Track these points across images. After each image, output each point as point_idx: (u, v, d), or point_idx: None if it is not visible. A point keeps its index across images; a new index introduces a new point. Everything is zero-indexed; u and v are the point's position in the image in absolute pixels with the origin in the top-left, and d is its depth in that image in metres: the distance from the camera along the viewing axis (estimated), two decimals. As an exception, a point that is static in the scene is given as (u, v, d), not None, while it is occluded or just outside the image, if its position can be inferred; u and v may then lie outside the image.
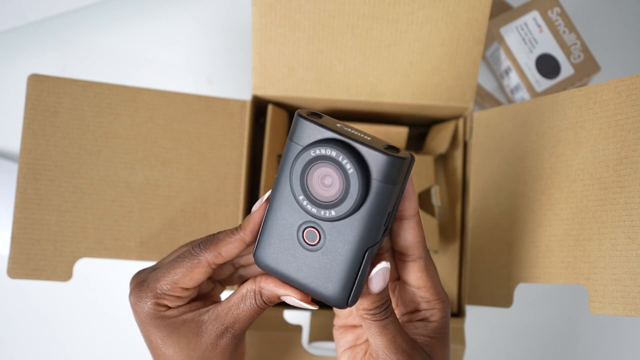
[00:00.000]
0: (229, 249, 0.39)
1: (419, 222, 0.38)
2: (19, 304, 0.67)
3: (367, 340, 0.43)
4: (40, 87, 0.50)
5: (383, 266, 0.36)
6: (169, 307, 0.40)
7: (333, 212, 0.35)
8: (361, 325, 0.43)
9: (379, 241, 0.36)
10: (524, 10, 0.65)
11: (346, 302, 0.36)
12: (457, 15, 0.53)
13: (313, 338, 0.54)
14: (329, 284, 0.36)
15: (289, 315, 0.55)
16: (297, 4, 0.53)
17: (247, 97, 0.57)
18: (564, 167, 0.47)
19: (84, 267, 0.57)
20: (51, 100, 0.50)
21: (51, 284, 0.64)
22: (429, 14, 0.53)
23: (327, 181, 0.35)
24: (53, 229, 0.50)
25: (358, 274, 0.36)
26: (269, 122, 0.57)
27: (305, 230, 0.36)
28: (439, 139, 0.60)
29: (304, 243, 0.36)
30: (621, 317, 0.63)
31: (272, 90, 0.56)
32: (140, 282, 0.40)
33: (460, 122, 0.58)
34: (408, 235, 0.37)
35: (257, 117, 0.59)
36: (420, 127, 0.63)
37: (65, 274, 0.50)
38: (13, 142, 0.68)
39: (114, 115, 0.52)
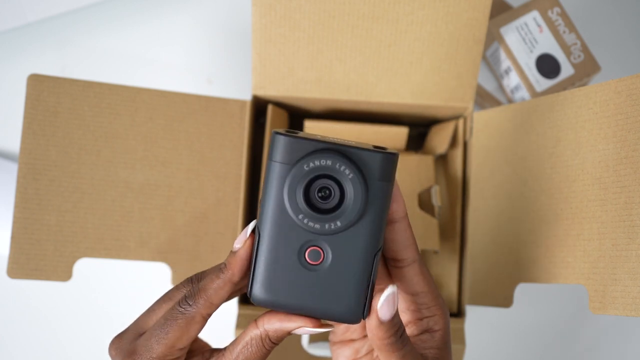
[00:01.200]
0: (219, 295, 0.36)
1: (409, 224, 0.37)
2: (19, 304, 0.67)
3: (367, 354, 0.41)
4: (40, 87, 0.50)
5: (390, 292, 0.35)
6: None
7: (338, 223, 0.34)
8: (359, 339, 0.42)
9: (382, 246, 0.35)
10: (524, 10, 0.65)
11: (362, 314, 0.35)
12: (457, 15, 0.53)
13: (313, 338, 0.54)
14: (340, 301, 0.35)
15: (289, 315, 0.55)
16: (297, 4, 0.53)
17: (247, 97, 0.57)
18: (564, 167, 0.47)
19: (84, 267, 0.57)
20: (51, 100, 0.50)
21: (51, 284, 0.64)
22: (429, 14, 0.53)
23: (326, 192, 0.34)
24: (53, 229, 0.50)
25: (370, 283, 0.35)
26: (269, 122, 0.57)
27: (307, 251, 0.35)
28: (439, 139, 0.60)
29: (307, 264, 0.35)
30: (621, 317, 0.63)
31: (272, 90, 0.56)
32: (130, 353, 0.38)
33: (460, 122, 0.58)
34: (400, 238, 0.37)
35: (257, 117, 0.59)
36: (420, 127, 0.63)
37: (65, 274, 0.50)
38: (13, 142, 0.68)
39: (114, 115, 0.52)
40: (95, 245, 0.51)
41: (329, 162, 0.34)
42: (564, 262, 0.46)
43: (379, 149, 0.34)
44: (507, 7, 0.68)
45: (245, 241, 0.36)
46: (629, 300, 0.40)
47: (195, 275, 0.38)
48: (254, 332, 0.36)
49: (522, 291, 0.53)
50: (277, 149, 0.34)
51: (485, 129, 0.56)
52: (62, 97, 0.51)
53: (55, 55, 0.71)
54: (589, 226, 0.44)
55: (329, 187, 0.34)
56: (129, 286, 0.67)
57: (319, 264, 0.35)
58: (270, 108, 0.57)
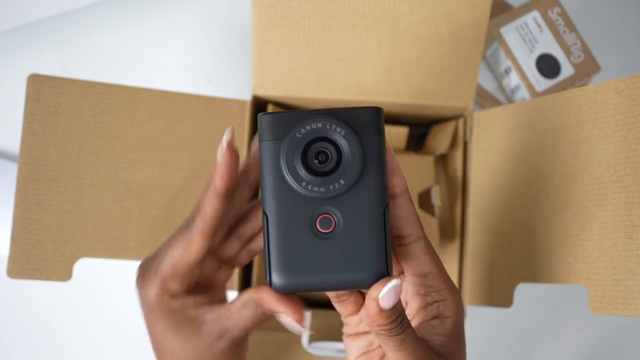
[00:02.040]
0: (209, 209, 0.38)
1: (410, 198, 0.36)
2: (19, 304, 0.67)
3: (380, 346, 0.40)
4: (40, 87, 0.50)
5: (393, 284, 0.34)
6: (173, 296, 0.39)
7: (342, 181, 0.34)
8: None
9: (388, 202, 0.35)
10: (524, 10, 0.65)
11: (386, 270, 0.34)
12: (457, 15, 0.53)
13: (313, 338, 0.54)
14: (361, 264, 0.34)
15: (289, 315, 0.55)
16: (297, 4, 0.53)
17: (247, 97, 0.57)
18: (564, 167, 0.47)
19: (84, 267, 0.57)
20: (51, 100, 0.50)
21: (51, 284, 0.64)
22: (429, 14, 0.53)
23: (323, 156, 0.34)
24: (53, 229, 0.50)
25: (386, 238, 0.34)
26: (269, 122, 0.57)
27: (318, 220, 0.34)
28: (439, 139, 0.60)
29: (320, 234, 0.34)
30: (621, 317, 0.63)
31: (272, 90, 0.56)
32: (144, 270, 0.40)
33: (460, 122, 0.58)
34: (403, 213, 0.36)
35: (257, 117, 0.59)
36: (420, 127, 0.63)
37: (65, 274, 0.50)
38: (13, 142, 0.68)
39: (114, 115, 0.52)
40: (95, 245, 0.51)
41: (319, 124, 0.34)
42: (564, 262, 0.46)
43: (363, 107, 0.35)
44: (507, 7, 0.68)
45: (223, 153, 0.37)
46: (629, 300, 0.40)
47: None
48: (253, 295, 0.38)
49: (522, 291, 0.53)
50: (265, 128, 0.34)
51: (485, 129, 0.56)
52: (62, 97, 0.51)
53: (55, 55, 0.71)
54: (589, 226, 0.44)
55: (325, 149, 0.34)
56: (129, 286, 0.67)
57: (331, 230, 0.34)
58: (270, 108, 0.57)
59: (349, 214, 0.34)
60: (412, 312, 0.38)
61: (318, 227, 0.34)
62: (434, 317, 0.38)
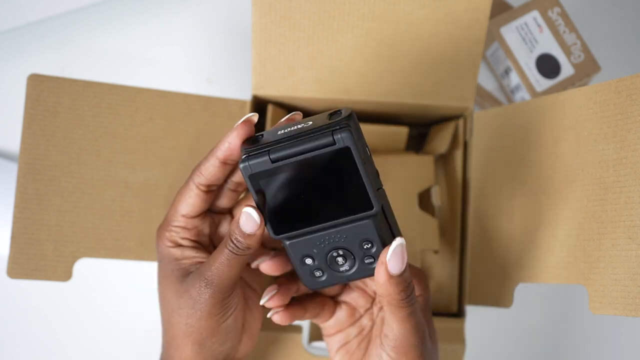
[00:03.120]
0: (207, 168, 0.40)
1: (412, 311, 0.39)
2: (19, 304, 0.67)
3: (357, 335, 0.44)
4: (40, 87, 0.50)
5: (397, 243, 0.37)
6: (178, 244, 0.41)
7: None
8: (349, 326, 0.44)
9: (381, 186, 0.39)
10: (524, 10, 0.65)
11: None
12: (457, 15, 0.53)
13: (313, 338, 0.54)
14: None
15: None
16: (297, 4, 0.53)
17: (247, 97, 0.57)
18: (564, 167, 0.47)
19: (84, 267, 0.57)
20: (51, 100, 0.50)
21: (51, 284, 0.64)
22: (429, 14, 0.53)
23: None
24: (53, 229, 0.50)
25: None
26: (269, 122, 0.57)
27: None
28: (439, 139, 0.60)
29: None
30: (621, 317, 0.63)
31: (272, 90, 0.56)
32: (159, 226, 0.43)
33: (460, 122, 0.58)
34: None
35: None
36: (420, 127, 0.63)
37: (65, 274, 0.50)
38: (13, 142, 0.68)
39: (114, 115, 0.52)
40: (95, 245, 0.51)
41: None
42: (564, 262, 0.46)
43: (331, 119, 0.37)
44: (507, 7, 0.68)
45: (238, 126, 0.39)
46: (629, 300, 0.40)
47: None
48: (226, 238, 0.39)
49: (522, 291, 0.53)
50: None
51: (485, 129, 0.56)
52: (62, 97, 0.51)
53: (55, 55, 0.71)
54: (589, 226, 0.44)
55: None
56: (129, 286, 0.67)
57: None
58: (270, 108, 0.57)
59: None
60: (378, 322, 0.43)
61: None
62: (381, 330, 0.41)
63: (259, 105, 0.58)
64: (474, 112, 0.57)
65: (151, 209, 0.52)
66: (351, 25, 0.54)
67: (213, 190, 0.42)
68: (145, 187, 0.52)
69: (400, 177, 0.58)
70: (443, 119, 0.61)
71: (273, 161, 0.36)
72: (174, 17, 0.72)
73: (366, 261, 0.39)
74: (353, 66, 0.55)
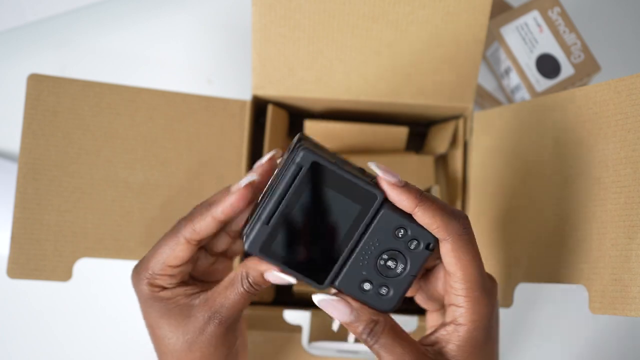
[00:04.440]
0: (202, 227, 0.39)
1: (427, 206, 0.36)
2: (19, 304, 0.67)
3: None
4: (40, 87, 0.50)
5: (321, 298, 0.37)
6: (164, 288, 0.41)
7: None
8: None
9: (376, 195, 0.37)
10: (524, 10, 0.65)
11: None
12: (457, 15, 0.53)
13: (313, 338, 0.54)
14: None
15: (289, 316, 0.55)
16: (297, 4, 0.53)
17: (247, 97, 0.57)
18: (564, 167, 0.47)
19: (84, 267, 0.57)
20: (51, 100, 0.50)
21: (51, 284, 0.64)
22: (429, 14, 0.53)
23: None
24: (53, 229, 0.50)
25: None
26: (269, 122, 0.57)
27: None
28: (439, 139, 0.60)
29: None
30: (621, 317, 0.63)
31: (272, 90, 0.56)
32: (137, 268, 0.41)
33: (460, 122, 0.58)
34: (424, 221, 0.36)
35: (257, 117, 0.59)
36: (420, 127, 0.63)
37: (65, 274, 0.50)
38: (13, 142, 0.68)
39: (114, 115, 0.52)
40: (95, 245, 0.51)
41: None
42: (564, 262, 0.46)
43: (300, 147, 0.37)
44: (507, 7, 0.68)
45: (239, 190, 0.39)
46: (629, 300, 0.40)
47: (200, 203, 0.41)
48: (239, 270, 0.39)
49: (522, 291, 0.53)
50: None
51: (485, 129, 0.56)
52: (62, 97, 0.51)
53: (55, 55, 0.71)
54: (589, 226, 0.44)
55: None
56: (129, 286, 0.67)
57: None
58: (270, 108, 0.57)
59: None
60: (446, 304, 0.39)
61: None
62: (451, 322, 0.38)
63: (259, 105, 0.58)
64: (474, 112, 0.57)
65: (151, 209, 0.52)
66: (351, 25, 0.54)
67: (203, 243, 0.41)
68: (145, 187, 0.52)
69: (401, 177, 0.58)
70: (443, 119, 0.61)
71: (268, 222, 0.36)
72: (174, 17, 0.72)
73: (412, 247, 0.37)
74: (353, 66, 0.55)
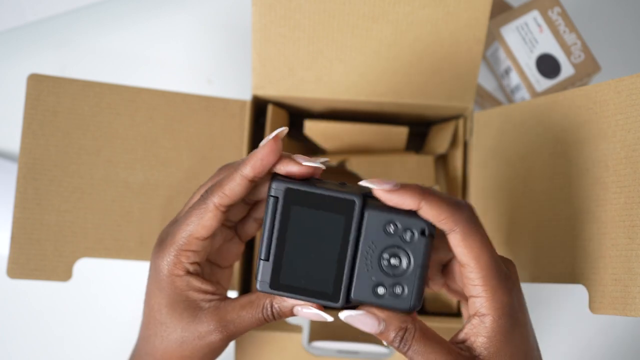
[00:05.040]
0: (232, 187, 0.38)
1: (433, 200, 0.36)
2: (19, 304, 0.67)
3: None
4: (40, 87, 0.50)
5: (347, 315, 0.37)
6: (185, 269, 0.39)
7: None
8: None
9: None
10: (524, 10, 0.65)
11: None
12: (457, 15, 0.53)
13: (313, 338, 0.54)
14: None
15: (289, 315, 0.55)
16: (297, 4, 0.53)
17: (247, 97, 0.57)
18: (564, 167, 0.47)
19: (84, 267, 0.57)
20: (51, 100, 0.50)
21: (51, 284, 0.64)
22: (429, 14, 0.53)
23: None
24: (53, 229, 0.50)
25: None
26: (269, 122, 0.57)
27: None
28: (439, 139, 0.60)
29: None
30: (621, 317, 0.63)
31: (272, 90, 0.56)
32: (162, 239, 0.40)
33: (460, 122, 0.58)
34: (429, 214, 0.36)
35: (257, 117, 0.59)
36: (420, 127, 0.63)
37: (65, 274, 0.50)
38: (13, 142, 0.68)
39: (114, 115, 0.52)
40: (95, 245, 0.51)
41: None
42: (564, 262, 0.46)
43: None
44: (507, 7, 0.68)
45: (268, 142, 0.37)
46: (629, 300, 0.40)
47: (221, 167, 0.40)
48: (264, 298, 0.38)
49: (522, 291, 0.53)
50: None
51: (485, 129, 0.56)
52: (62, 97, 0.51)
53: (55, 55, 0.71)
54: (589, 226, 0.44)
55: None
56: (129, 286, 0.67)
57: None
58: (270, 108, 0.57)
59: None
60: (463, 301, 0.40)
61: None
62: (474, 315, 0.37)
63: (259, 105, 0.58)
64: (474, 112, 0.57)
65: (151, 209, 0.52)
66: (351, 25, 0.54)
67: (230, 210, 0.40)
68: (145, 187, 0.52)
69: (400, 177, 0.58)
70: (443, 119, 0.61)
71: (267, 258, 0.37)
72: (174, 17, 0.72)
73: (408, 239, 0.37)
74: (353, 66, 0.55)
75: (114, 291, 0.67)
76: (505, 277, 0.37)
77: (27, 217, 0.49)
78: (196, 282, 0.40)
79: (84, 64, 0.71)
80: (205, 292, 0.40)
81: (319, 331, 0.54)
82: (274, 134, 0.37)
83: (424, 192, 0.36)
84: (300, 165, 0.37)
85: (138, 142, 0.52)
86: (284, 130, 0.38)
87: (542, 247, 0.48)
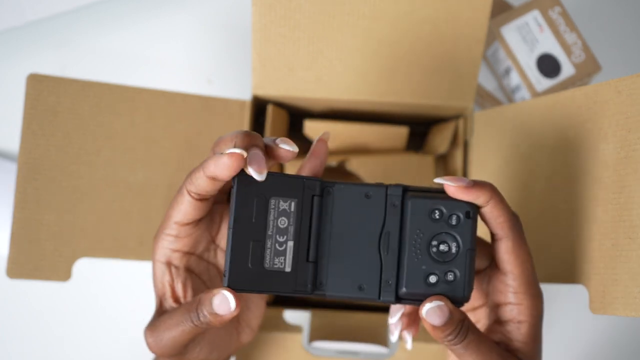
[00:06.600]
0: (196, 179, 0.38)
1: (495, 205, 0.36)
2: (19, 304, 0.67)
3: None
4: (40, 87, 0.50)
5: (434, 305, 0.35)
6: (167, 258, 0.40)
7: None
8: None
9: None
10: (524, 9, 0.65)
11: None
12: (457, 15, 0.53)
13: (313, 338, 0.54)
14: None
15: (289, 315, 0.55)
16: (297, 4, 0.53)
17: (247, 97, 0.57)
18: (564, 167, 0.47)
19: (84, 267, 0.57)
20: (51, 100, 0.50)
21: (51, 284, 0.64)
22: (429, 14, 0.53)
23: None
24: (53, 229, 0.50)
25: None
26: (269, 122, 0.57)
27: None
28: (439, 139, 0.60)
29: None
30: (621, 317, 0.63)
31: (272, 90, 0.56)
32: (155, 234, 0.41)
33: (461, 121, 0.58)
34: (488, 217, 0.37)
35: (257, 117, 0.59)
36: (420, 127, 0.63)
37: (64, 274, 0.50)
38: (13, 142, 0.68)
39: (114, 115, 0.52)
40: (95, 245, 0.51)
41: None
42: (564, 262, 0.46)
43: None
44: (508, 7, 0.68)
45: (233, 155, 0.36)
46: (629, 300, 0.40)
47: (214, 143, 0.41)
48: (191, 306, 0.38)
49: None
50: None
51: (485, 129, 0.56)
52: (62, 97, 0.51)
53: (55, 55, 0.71)
54: (589, 226, 0.44)
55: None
56: (129, 286, 0.67)
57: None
58: (270, 108, 0.57)
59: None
60: (492, 305, 0.40)
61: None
62: (509, 321, 0.38)
63: (259, 105, 0.58)
64: (474, 112, 0.57)
65: (151, 209, 0.52)
66: (351, 25, 0.54)
67: (207, 199, 0.39)
68: (145, 187, 0.52)
69: (400, 177, 0.58)
70: (443, 119, 0.61)
71: (307, 259, 0.37)
72: (174, 17, 0.72)
73: (454, 223, 0.36)
74: (353, 66, 0.55)
75: (113, 291, 0.67)
76: (540, 289, 0.39)
77: (26, 217, 0.49)
78: (167, 277, 0.40)
79: (84, 64, 0.71)
80: (192, 287, 0.41)
81: (319, 331, 0.54)
82: (232, 150, 0.36)
83: (494, 190, 0.37)
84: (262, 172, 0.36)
85: (138, 142, 0.52)
86: (242, 153, 0.36)
87: (542, 247, 0.48)
